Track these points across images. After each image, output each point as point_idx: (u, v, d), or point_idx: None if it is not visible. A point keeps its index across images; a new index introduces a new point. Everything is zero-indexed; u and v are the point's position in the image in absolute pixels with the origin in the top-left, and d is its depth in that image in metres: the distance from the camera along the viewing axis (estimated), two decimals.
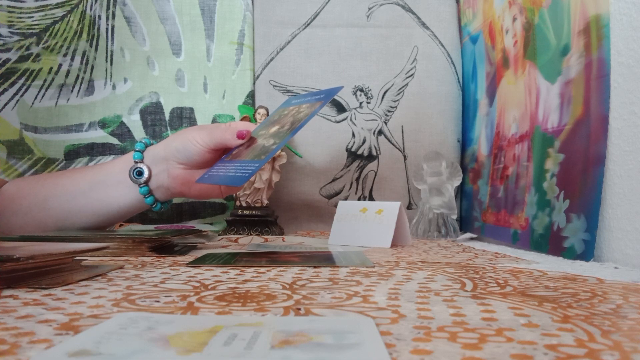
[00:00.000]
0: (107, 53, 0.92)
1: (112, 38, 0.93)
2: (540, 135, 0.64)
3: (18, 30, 0.84)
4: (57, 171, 0.85)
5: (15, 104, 0.84)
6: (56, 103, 0.88)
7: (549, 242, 0.58)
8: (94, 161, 0.90)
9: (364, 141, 0.99)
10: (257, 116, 0.93)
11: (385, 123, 0.99)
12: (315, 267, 0.42)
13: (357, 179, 0.99)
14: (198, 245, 0.63)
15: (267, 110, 0.94)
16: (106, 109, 0.91)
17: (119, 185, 0.61)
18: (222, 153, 0.61)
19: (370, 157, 0.99)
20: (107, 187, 0.61)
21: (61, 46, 0.88)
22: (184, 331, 0.20)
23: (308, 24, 1.01)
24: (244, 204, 0.86)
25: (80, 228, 0.62)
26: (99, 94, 0.92)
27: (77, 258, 0.39)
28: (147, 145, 0.62)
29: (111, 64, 0.92)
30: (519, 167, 0.70)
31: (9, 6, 0.83)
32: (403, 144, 0.99)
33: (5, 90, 0.83)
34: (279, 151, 0.93)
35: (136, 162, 0.60)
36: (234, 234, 0.82)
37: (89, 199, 0.61)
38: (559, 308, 0.26)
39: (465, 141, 0.99)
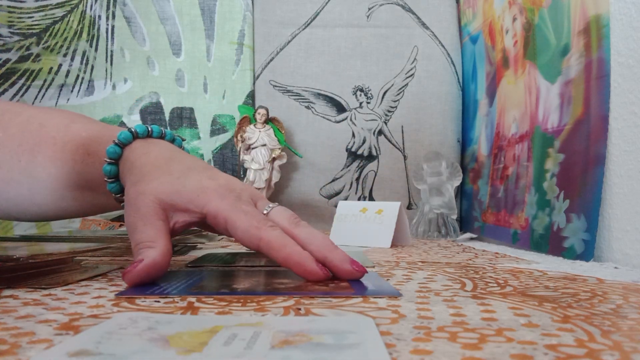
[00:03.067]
0: (107, 53, 0.92)
1: (112, 38, 0.93)
2: (540, 135, 0.64)
3: (18, 31, 0.84)
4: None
5: None
6: (56, 103, 0.88)
7: (549, 242, 0.58)
8: None
9: (364, 141, 0.99)
10: (257, 116, 0.93)
11: (385, 123, 0.99)
12: None
13: (357, 179, 0.99)
14: (198, 245, 0.62)
15: (267, 110, 0.94)
16: (106, 109, 0.91)
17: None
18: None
19: (370, 157, 0.99)
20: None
21: (61, 46, 0.88)
22: (184, 331, 0.20)
23: (308, 24, 1.01)
24: None
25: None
26: (99, 94, 0.92)
27: (77, 258, 0.39)
28: (124, 145, 0.39)
29: (111, 64, 0.93)
30: (519, 167, 0.70)
31: (9, 6, 0.83)
32: (403, 144, 0.99)
33: (5, 90, 0.83)
34: (280, 151, 0.94)
35: (108, 179, 0.39)
36: None
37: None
38: (559, 308, 0.26)
39: (465, 141, 0.99)
